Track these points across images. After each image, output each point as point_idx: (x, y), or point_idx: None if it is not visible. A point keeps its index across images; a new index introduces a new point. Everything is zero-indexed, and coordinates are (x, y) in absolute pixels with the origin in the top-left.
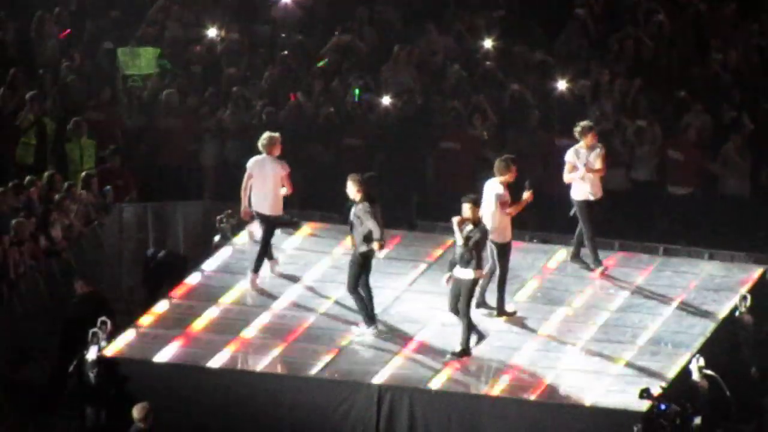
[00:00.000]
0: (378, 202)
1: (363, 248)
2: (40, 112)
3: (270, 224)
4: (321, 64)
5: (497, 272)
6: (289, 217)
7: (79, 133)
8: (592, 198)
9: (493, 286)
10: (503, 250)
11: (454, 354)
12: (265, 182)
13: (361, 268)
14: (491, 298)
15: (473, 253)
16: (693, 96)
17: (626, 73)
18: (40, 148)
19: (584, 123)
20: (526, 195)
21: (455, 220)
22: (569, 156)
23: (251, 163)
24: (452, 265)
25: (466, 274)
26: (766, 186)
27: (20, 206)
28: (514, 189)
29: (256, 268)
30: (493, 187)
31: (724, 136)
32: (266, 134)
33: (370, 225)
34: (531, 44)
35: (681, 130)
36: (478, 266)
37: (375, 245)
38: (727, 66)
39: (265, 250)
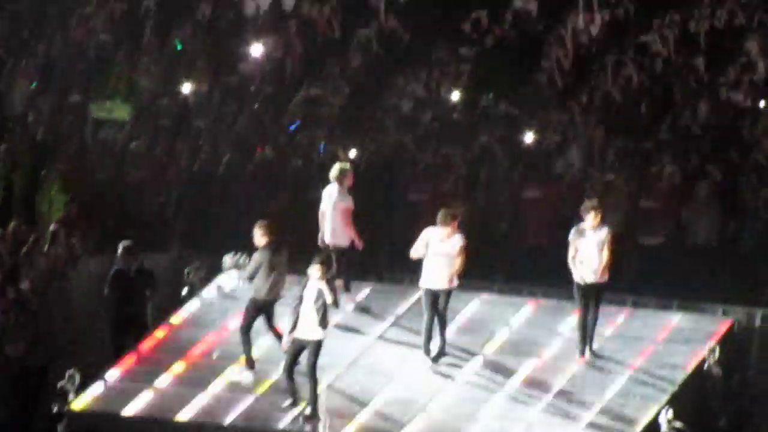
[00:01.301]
0: (284, 250)
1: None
2: (6, 166)
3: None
4: (293, 127)
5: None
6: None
7: (48, 185)
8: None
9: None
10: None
11: (305, 417)
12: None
13: (247, 312)
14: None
15: (322, 313)
16: (661, 147)
17: (594, 125)
18: (6, 202)
19: (590, 202)
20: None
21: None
22: (571, 236)
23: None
24: (294, 326)
25: (315, 334)
26: (734, 236)
27: None
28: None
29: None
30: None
31: (692, 186)
32: (336, 165)
33: (248, 268)
34: (498, 95)
35: (650, 180)
36: (325, 326)
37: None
38: (696, 117)
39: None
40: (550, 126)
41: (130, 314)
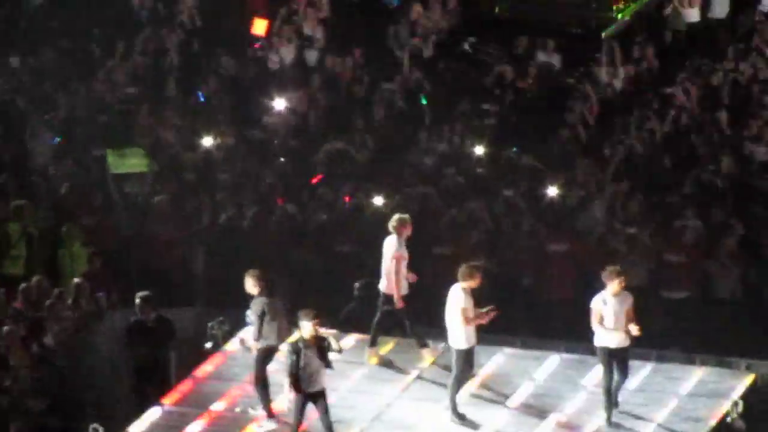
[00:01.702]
0: (277, 297)
1: (259, 344)
2: (27, 222)
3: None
4: (315, 180)
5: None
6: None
7: (71, 239)
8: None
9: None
10: (468, 356)
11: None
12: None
13: (260, 363)
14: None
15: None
16: (684, 201)
17: (617, 179)
18: (29, 259)
19: (613, 268)
20: (490, 311)
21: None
22: (596, 303)
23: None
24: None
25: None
26: (757, 289)
27: (9, 314)
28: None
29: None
30: (455, 293)
31: (716, 241)
32: (395, 215)
33: (253, 323)
34: (521, 150)
35: (674, 234)
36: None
37: (251, 345)
38: (719, 172)
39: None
40: (574, 180)
41: (151, 365)
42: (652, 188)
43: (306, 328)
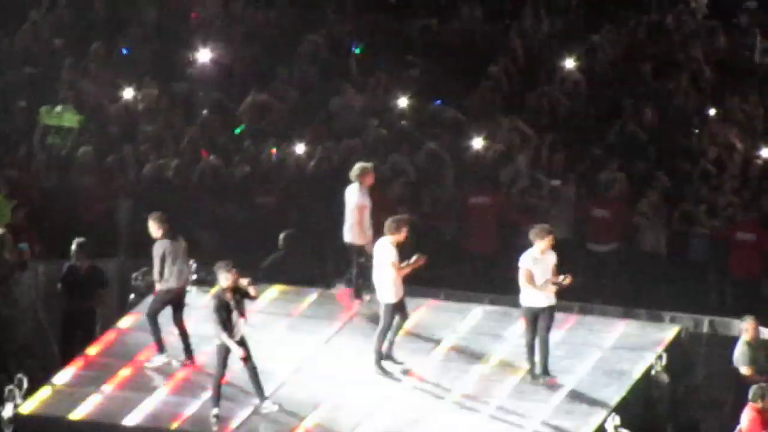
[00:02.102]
0: (181, 240)
1: (159, 285)
2: None
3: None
4: (238, 131)
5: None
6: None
7: None
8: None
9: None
10: (395, 309)
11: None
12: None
13: (158, 303)
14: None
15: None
16: (608, 153)
17: (541, 131)
18: None
19: (540, 226)
20: (418, 260)
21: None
22: (526, 262)
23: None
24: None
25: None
26: (682, 244)
27: None
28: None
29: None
30: (384, 247)
31: (641, 194)
32: (357, 164)
33: (154, 264)
34: (445, 102)
35: (598, 187)
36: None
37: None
38: (643, 123)
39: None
40: (498, 132)
41: (79, 311)
42: (576, 141)
43: (224, 279)
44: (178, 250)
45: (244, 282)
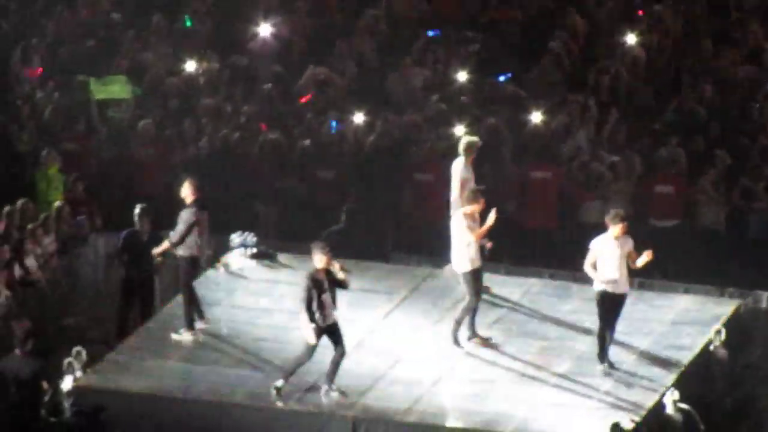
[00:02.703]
0: (208, 210)
1: (180, 251)
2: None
3: None
4: (306, 101)
5: (470, 301)
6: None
7: (48, 164)
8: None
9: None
10: (475, 276)
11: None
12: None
13: (189, 274)
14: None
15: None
16: (669, 130)
17: (602, 107)
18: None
19: (615, 211)
20: (490, 219)
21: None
22: (596, 244)
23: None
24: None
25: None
26: (741, 220)
27: None
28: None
29: None
30: (461, 218)
31: (700, 170)
32: (465, 138)
33: (178, 228)
34: (506, 77)
35: (658, 163)
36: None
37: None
38: (702, 99)
39: None
40: (558, 107)
41: (139, 278)
42: (635, 116)
43: (318, 260)
44: (204, 221)
45: (336, 266)
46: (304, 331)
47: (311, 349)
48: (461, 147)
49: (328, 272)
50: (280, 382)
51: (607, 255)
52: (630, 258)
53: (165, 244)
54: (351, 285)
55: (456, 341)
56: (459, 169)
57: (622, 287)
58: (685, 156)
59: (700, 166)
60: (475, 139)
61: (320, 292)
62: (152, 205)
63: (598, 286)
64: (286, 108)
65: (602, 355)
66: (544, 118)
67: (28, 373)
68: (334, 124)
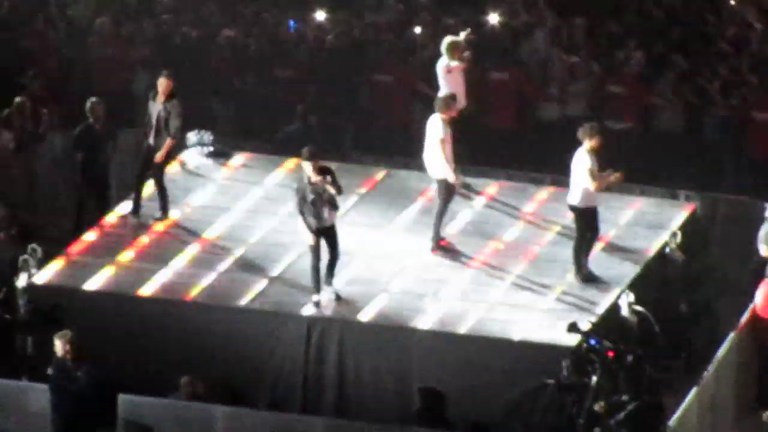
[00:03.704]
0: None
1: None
2: None
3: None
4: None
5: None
6: None
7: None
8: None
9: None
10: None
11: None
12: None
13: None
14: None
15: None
16: (627, 32)
17: (560, 8)
18: None
19: (589, 124)
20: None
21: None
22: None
23: None
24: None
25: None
26: (698, 123)
27: None
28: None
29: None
30: (582, 157)
31: (658, 73)
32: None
33: (174, 122)
34: None
35: (616, 65)
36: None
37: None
38: (660, 2)
39: None
40: (515, 8)
41: (94, 170)
42: (594, 19)
43: (308, 168)
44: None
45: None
46: (302, 234)
47: (315, 249)
48: (444, 47)
49: (323, 171)
50: (315, 297)
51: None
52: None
53: (168, 143)
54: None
55: (438, 246)
56: (442, 66)
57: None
58: (643, 59)
59: (657, 69)
60: (458, 40)
61: (315, 199)
62: (110, 102)
63: (590, 201)
64: (244, 7)
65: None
66: (501, 19)
67: (5, 259)
68: (292, 23)
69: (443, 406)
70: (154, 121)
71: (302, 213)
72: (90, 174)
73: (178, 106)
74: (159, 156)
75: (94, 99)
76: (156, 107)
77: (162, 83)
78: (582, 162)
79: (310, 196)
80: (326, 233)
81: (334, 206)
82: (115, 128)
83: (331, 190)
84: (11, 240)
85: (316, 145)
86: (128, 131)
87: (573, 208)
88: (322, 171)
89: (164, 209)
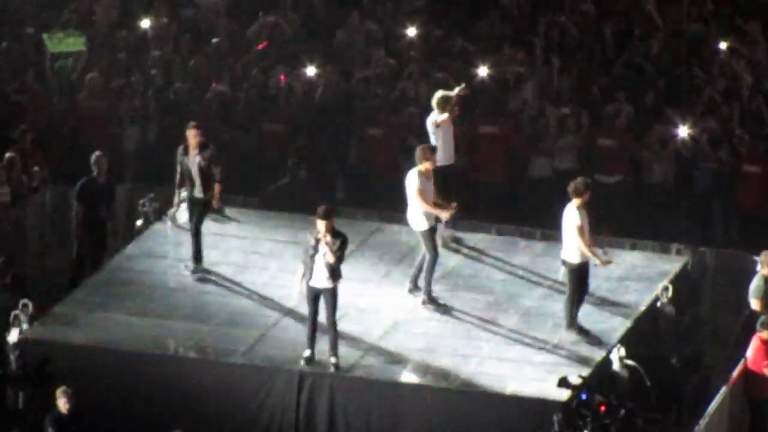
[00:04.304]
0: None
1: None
2: None
3: None
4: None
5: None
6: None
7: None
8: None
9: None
10: (432, 233)
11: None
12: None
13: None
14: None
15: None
16: (616, 85)
17: (550, 62)
18: None
19: (579, 179)
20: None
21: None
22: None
23: None
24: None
25: (330, 283)
26: (688, 175)
27: None
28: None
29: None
30: (571, 213)
31: (647, 125)
32: (438, 92)
33: (215, 169)
34: (453, 31)
35: (605, 118)
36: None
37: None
38: (649, 55)
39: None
40: (506, 62)
41: (96, 224)
42: (583, 71)
43: (321, 226)
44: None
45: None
46: (294, 290)
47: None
48: (435, 101)
49: (336, 235)
50: (307, 352)
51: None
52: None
53: (218, 188)
54: (296, 238)
55: (431, 300)
56: (431, 120)
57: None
58: (632, 111)
59: (647, 121)
60: (449, 93)
61: (315, 255)
62: (84, 168)
63: (580, 257)
64: (234, 61)
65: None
66: (491, 72)
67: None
68: (282, 78)
69: None
70: (195, 175)
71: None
72: (90, 228)
73: (214, 152)
74: (217, 204)
75: (98, 152)
76: (192, 160)
77: (191, 135)
78: (571, 218)
79: (312, 252)
80: (325, 295)
81: (335, 274)
82: (115, 186)
83: (329, 256)
84: (4, 289)
85: (306, 199)
86: (118, 186)
87: (565, 263)
88: (335, 234)
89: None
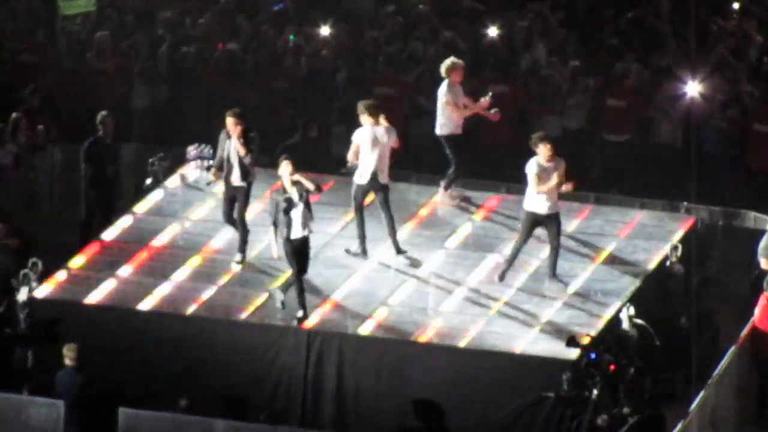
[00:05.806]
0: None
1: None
2: None
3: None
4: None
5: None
6: None
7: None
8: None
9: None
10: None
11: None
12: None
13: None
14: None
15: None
16: (625, 44)
17: (559, 22)
18: None
19: (536, 134)
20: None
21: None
22: (536, 168)
23: None
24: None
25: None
26: (697, 136)
27: None
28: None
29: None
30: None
31: (657, 85)
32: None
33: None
34: None
35: (614, 78)
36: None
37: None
38: (660, 14)
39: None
40: (516, 22)
41: (103, 183)
42: (593, 31)
43: (284, 176)
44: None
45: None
46: (272, 246)
47: (291, 261)
48: (443, 69)
49: (297, 184)
50: (300, 313)
51: (542, 177)
52: (560, 181)
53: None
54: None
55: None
56: (442, 92)
57: (556, 207)
58: (642, 71)
59: (656, 81)
60: (455, 60)
61: (288, 208)
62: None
63: (530, 206)
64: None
65: (505, 269)
66: (500, 32)
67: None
68: (291, 37)
69: (442, 420)
70: (235, 161)
71: (275, 225)
72: (98, 188)
73: (256, 139)
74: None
75: (104, 112)
76: (232, 146)
77: (230, 123)
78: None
79: (284, 205)
80: (298, 246)
81: (306, 219)
82: (119, 148)
83: (310, 186)
84: (12, 251)
85: (315, 158)
86: (126, 145)
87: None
88: (294, 183)
89: (243, 250)
